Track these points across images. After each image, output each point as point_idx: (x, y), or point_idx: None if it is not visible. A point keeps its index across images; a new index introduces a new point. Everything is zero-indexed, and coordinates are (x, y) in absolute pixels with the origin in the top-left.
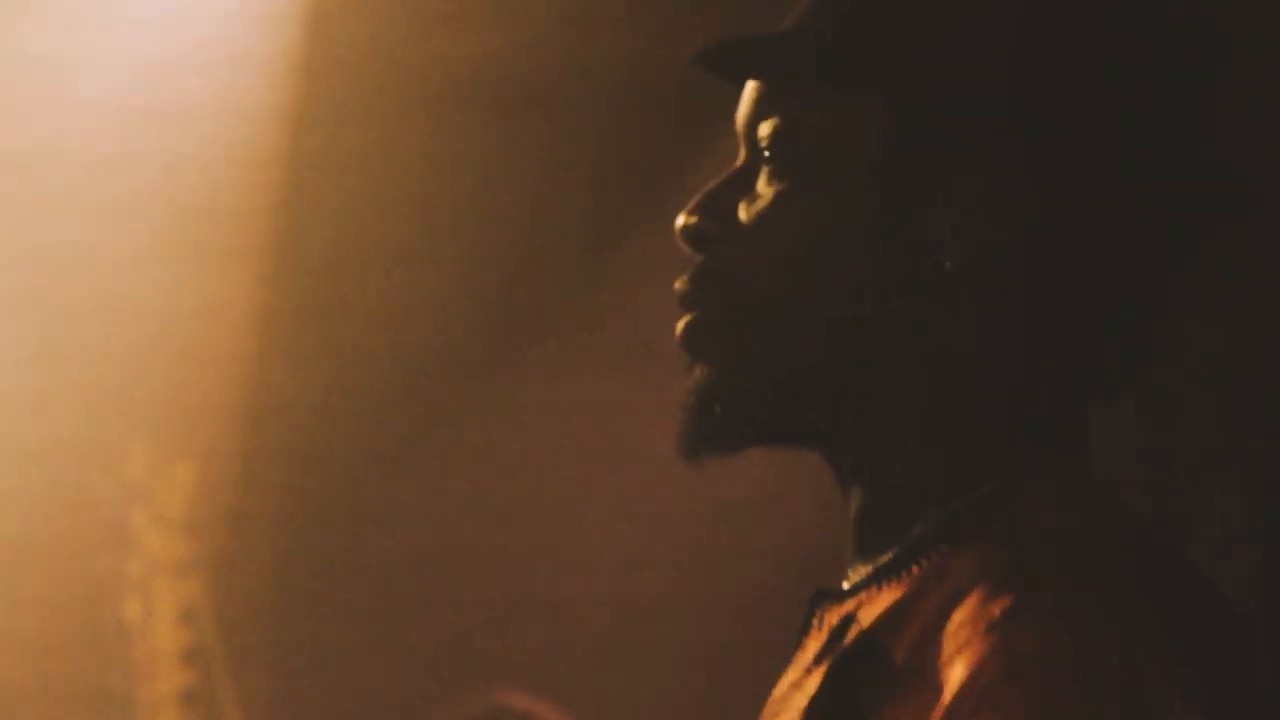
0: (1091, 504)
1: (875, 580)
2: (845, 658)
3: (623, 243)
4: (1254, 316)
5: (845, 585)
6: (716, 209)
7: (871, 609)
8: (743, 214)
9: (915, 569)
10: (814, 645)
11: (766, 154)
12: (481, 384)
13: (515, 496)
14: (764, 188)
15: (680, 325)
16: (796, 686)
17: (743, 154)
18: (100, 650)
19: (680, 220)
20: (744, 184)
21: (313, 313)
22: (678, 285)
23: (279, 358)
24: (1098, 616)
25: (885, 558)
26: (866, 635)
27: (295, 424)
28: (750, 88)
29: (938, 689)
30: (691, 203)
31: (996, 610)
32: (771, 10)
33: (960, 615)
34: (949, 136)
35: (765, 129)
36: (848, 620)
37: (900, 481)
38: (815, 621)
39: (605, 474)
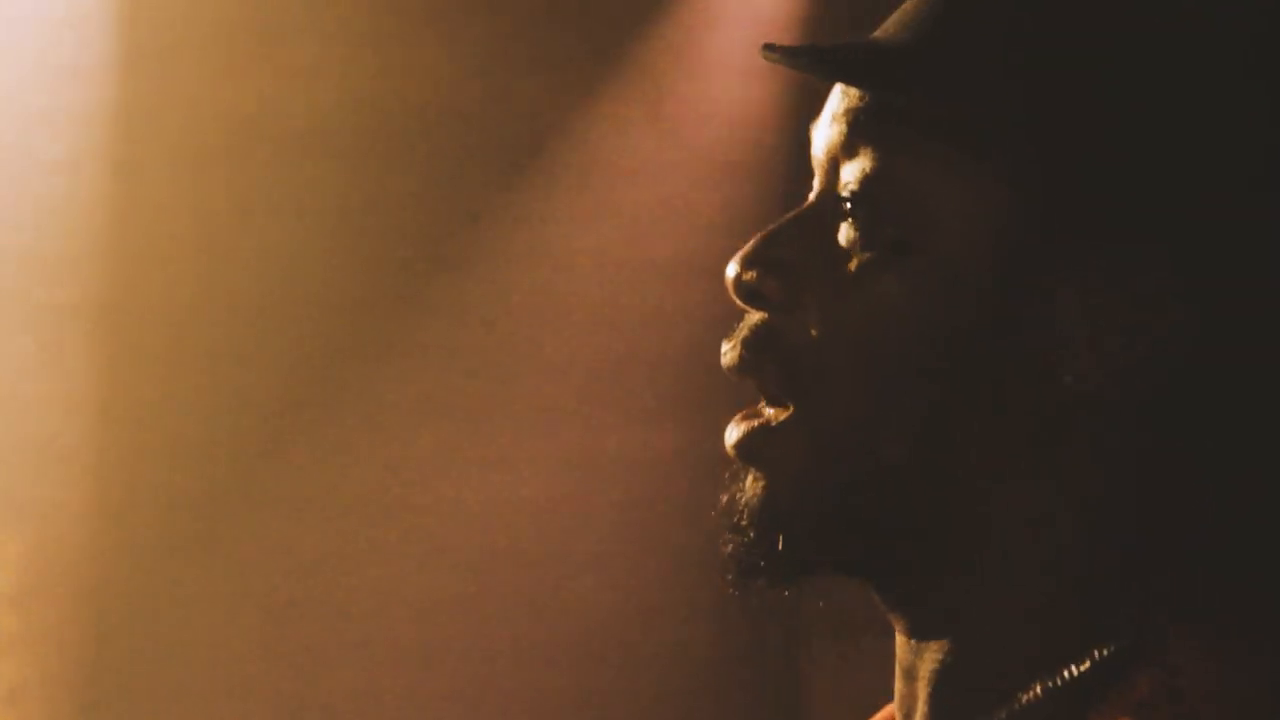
0: (1245, 659)
1: None
2: None
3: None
4: None
5: None
6: (779, 262)
7: None
8: (812, 273)
9: None
10: None
11: (855, 207)
12: (332, 385)
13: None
14: (843, 246)
15: (736, 431)
16: None
17: (817, 187)
18: None
19: (733, 271)
20: (817, 231)
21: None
22: (729, 355)
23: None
24: None
25: None
26: None
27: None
28: (846, 107)
29: None
30: (748, 248)
31: None
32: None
33: None
34: (1098, 230)
35: (857, 168)
36: None
37: (999, 634)
38: None
39: (461, 472)
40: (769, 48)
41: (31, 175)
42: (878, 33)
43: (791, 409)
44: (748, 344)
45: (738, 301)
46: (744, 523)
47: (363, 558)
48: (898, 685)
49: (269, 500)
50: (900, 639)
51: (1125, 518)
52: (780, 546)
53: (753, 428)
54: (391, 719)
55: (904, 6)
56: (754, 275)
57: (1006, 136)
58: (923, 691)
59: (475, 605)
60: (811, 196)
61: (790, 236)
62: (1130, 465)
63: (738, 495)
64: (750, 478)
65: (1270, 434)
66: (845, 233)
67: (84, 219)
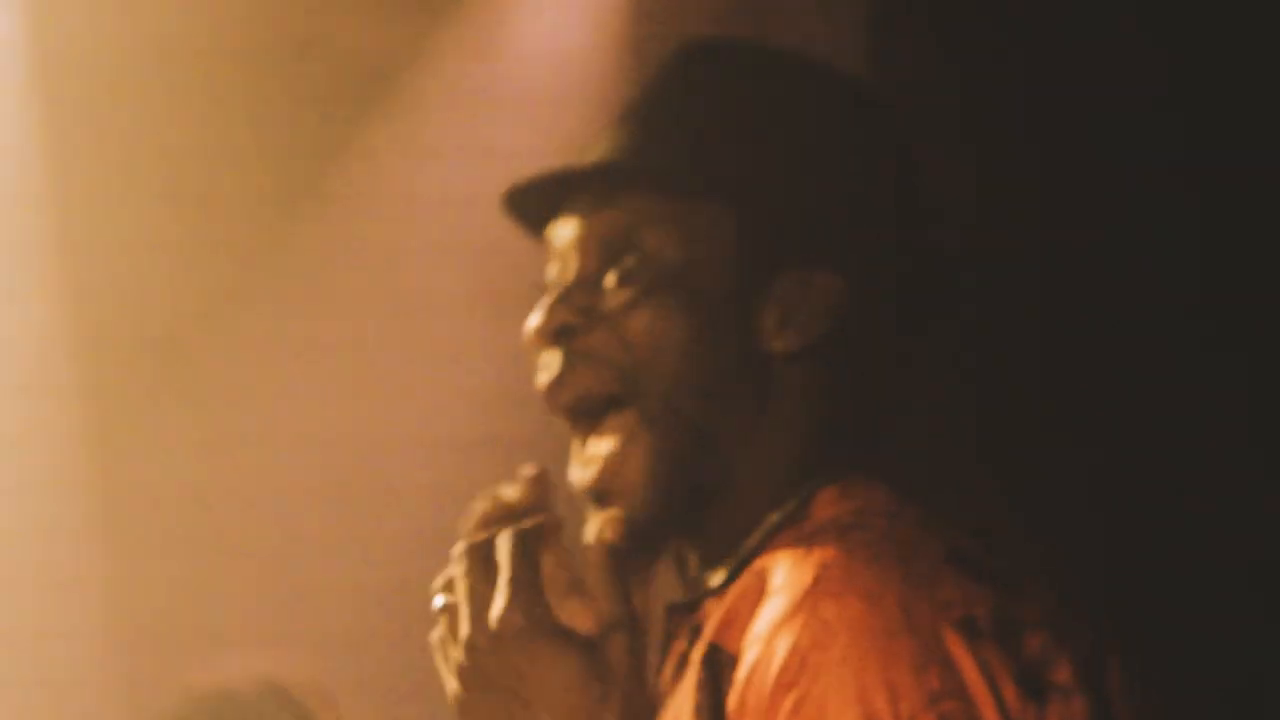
0: (858, 493)
1: (715, 593)
2: (705, 663)
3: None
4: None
5: (691, 598)
6: (575, 306)
7: (712, 620)
8: (604, 310)
9: (743, 573)
10: (678, 650)
11: (620, 262)
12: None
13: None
14: (623, 289)
15: (587, 473)
16: (674, 684)
17: (576, 266)
18: None
19: (538, 318)
20: (590, 289)
21: None
22: (549, 384)
23: None
24: (875, 579)
25: (721, 573)
26: (711, 642)
27: None
28: (581, 211)
29: (768, 657)
30: (543, 306)
31: (799, 590)
32: None
33: (774, 599)
34: (777, 250)
35: (611, 240)
36: (695, 630)
37: (732, 519)
38: (673, 628)
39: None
40: (510, 193)
41: None
42: (610, 132)
43: (626, 422)
44: (567, 364)
45: (544, 343)
46: (614, 551)
47: (251, 492)
48: (676, 566)
49: (155, 438)
50: (677, 552)
51: (809, 435)
52: (641, 545)
53: (599, 470)
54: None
55: (630, 106)
56: (561, 313)
57: (714, 200)
58: (694, 559)
59: (360, 545)
60: (571, 275)
61: (571, 293)
62: (816, 401)
63: (599, 533)
64: (606, 510)
65: (889, 375)
66: (616, 279)
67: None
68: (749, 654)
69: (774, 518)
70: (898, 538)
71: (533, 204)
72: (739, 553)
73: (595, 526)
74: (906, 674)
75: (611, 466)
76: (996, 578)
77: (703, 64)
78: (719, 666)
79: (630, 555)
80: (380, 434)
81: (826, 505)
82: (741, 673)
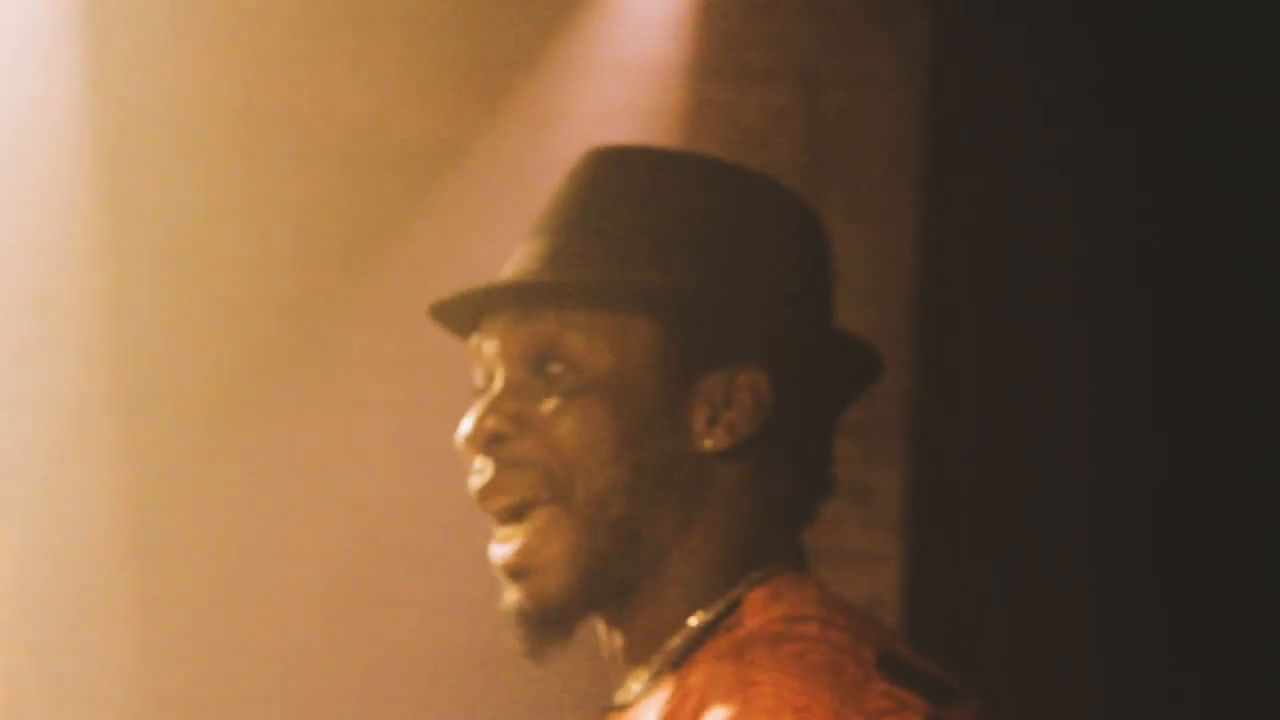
0: (788, 596)
1: (643, 693)
2: None
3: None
4: None
5: (618, 699)
6: (506, 412)
7: (644, 718)
8: (533, 418)
9: (671, 677)
10: None
11: (547, 370)
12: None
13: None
14: (552, 398)
15: (500, 551)
16: None
17: (504, 375)
18: None
19: (470, 425)
20: (519, 397)
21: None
22: (482, 489)
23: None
24: (805, 693)
25: (651, 673)
26: None
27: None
28: (504, 324)
29: None
30: (475, 413)
31: (733, 711)
32: None
33: (710, 716)
34: (700, 351)
35: (536, 349)
36: None
37: (659, 613)
38: None
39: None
40: (435, 307)
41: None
42: (530, 244)
43: (549, 511)
44: (498, 471)
45: (475, 450)
46: (524, 619)
47: (308, 547)
48: (606, 655)
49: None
50: (604, 629)
51: (739, 533)
52: (555, 621)
53: (518, 547)
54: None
55: (546, 216)
56: (492, 421)
57: (637, 307)
58: (620, 654)
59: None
60: (499, 383)
61: (502, 401)
62: (749, 496)
63: (514, 601)
64: (519, 590)
65: (808, 465)
66: (543, 389)
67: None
68: None
69: (696, 620)
70: (830, 645)
71: (457, 314)
72: (663, 651)
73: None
74: None
75: (531, 546)
76: (925, 683)
77: (616, 170)
78: None
79: (542, 631)
80: (427, 496)
81: (756, 610)
82: None
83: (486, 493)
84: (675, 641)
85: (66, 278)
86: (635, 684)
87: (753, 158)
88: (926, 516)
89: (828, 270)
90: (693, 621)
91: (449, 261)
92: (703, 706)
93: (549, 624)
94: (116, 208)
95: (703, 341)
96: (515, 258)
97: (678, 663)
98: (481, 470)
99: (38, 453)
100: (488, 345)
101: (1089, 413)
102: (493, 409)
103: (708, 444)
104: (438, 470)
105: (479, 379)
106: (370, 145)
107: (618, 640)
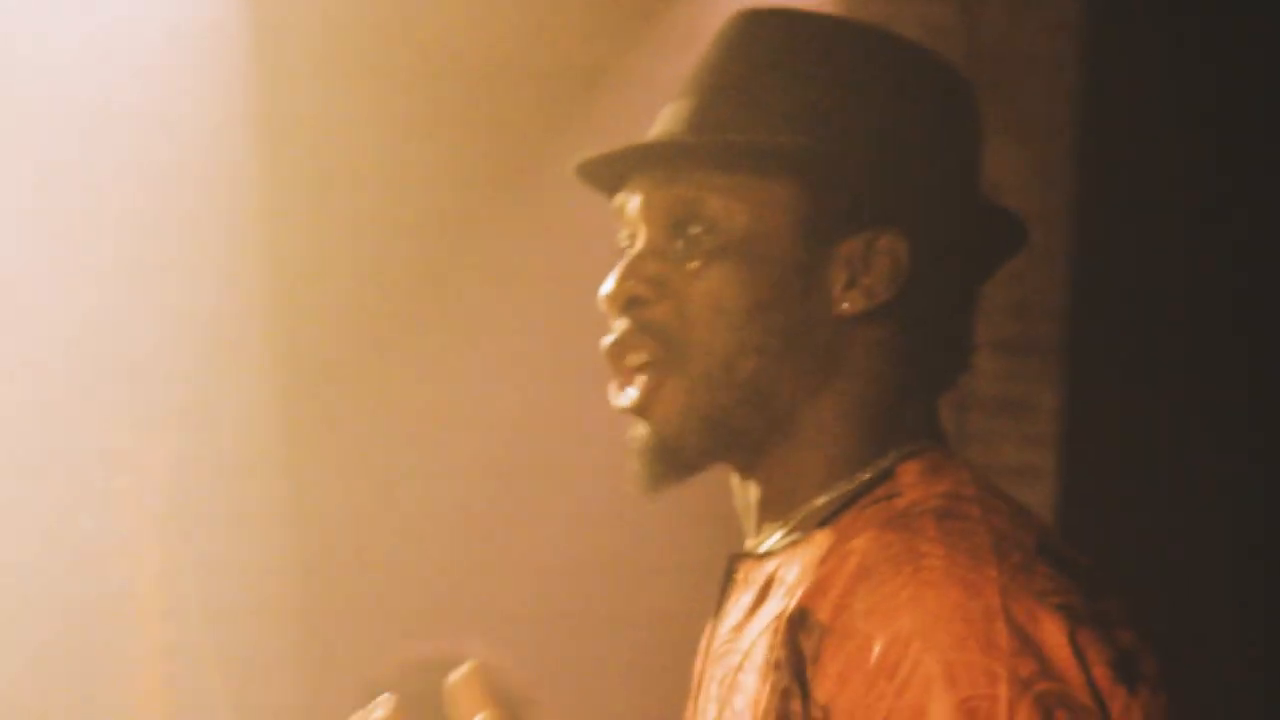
0: (946, 474)
1: (787, 545)
2: (790, 622)
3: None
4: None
5: (756, 547)
6: (644, 275)
7: (789, 569)
8: (671, 281)
9: (820, 536)
10: (739, 596)
11: (687, 232)
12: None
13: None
14: (691, 260)
15: (627, 390)
16: (739, 629)
17: (646, 236)
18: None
19: (611, 286)
20: (660, 258)
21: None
22: (611, 346)
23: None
24: (974, 569)
25: (790, 527)
26: (799, 605)
27: None
28: (649, 184)
29: (867, 639)
30: (617, 273)
31: (902, 578)
32: None
33: (874, 582)
34: (841, 215)
35: (679, 209)
36: (770, 578)
37: (802, 474)
38: (738, 577)
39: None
40: (581, 165)
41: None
42: (676, 105)
43: (666, 367)
44: (629, 330)
45: (614, 311)
46: (646, 452)
47: (433, 469)
48: (739, 504)
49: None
50: (738, 480)
51: (880, 398)
52: (674, 460)
53: (640, 391)
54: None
55: (693, 77)
56: (630, 285)
57: (777, 169)
58: (753, 506)
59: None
60: (641, 244)
61: (643, 262)
62: (880, 356)
63: (637, 435)
64: (643, 424)
65: (947, 335)
66: (682, 250)
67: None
68: (846, 632)
69: (850, 485)
70: (992, 528)
71: (603, 174)
72: (808, 509)
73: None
74: (1004, 659)
75: (652, 390)
76: (1083, 574)
77: (762, 33)
78: (804, 628)
79: (657, 467)
80: (562, 413)
81: (914, 483)
82: (835, 646)
83: (615, 351)
84: (821, 500)
85: (224, 193)
86: (772, 536)
87: None
88: (1083, 433)
89: (976, 139)
90: (840, 485)
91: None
92: (866, 571)
93: (665, 462)
94: (278, 125)
95: (842, 205)
96: (661, 118)
97: (824, 521)
98: (616, 329)
99: (195, 361)
100: (631, 205)
101: (1249, 329)
102: (633, 271)
103: (844, 307)
104: (578, 387)
105: (623, 238)
106: (520, 69)
107: (753, 492)
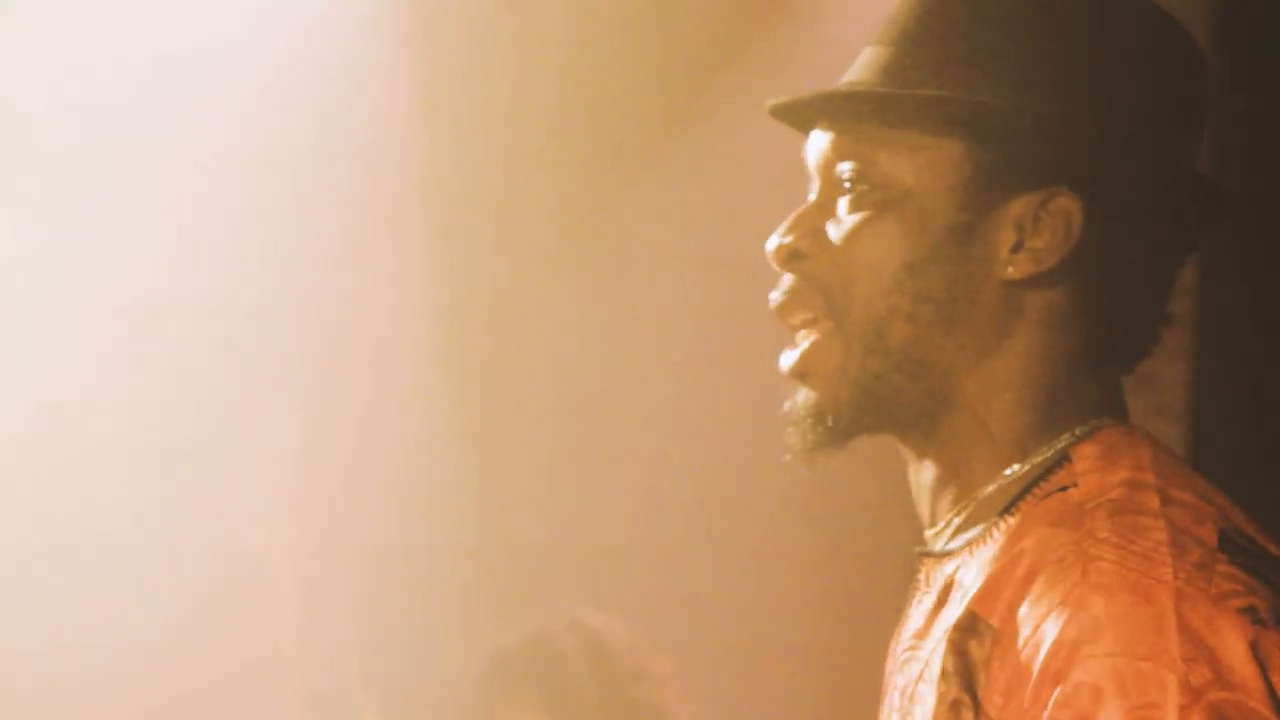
0: (1124, 459)
1: (967, 545)
2: (960, 628)
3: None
4: None
5: (934, 544)
6: (809, 229)
7: (967, 572)
8: (832, 235)
9: (996, 532)
10: (921, 598)
11: (852, 187)
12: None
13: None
14: (851, 215)
15: (787, 354)
16: (921, 635)
17: (819, 187)
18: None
19: (775, 240)
20: (827, 211)
21: None
22: (778, 300)
23: None
24: (1148, 574)
25: (964, 518)
26: (969, 609)
27: None
28: (828, 132)
29: (1033, 646)
30: (783, 227)
31: (1070, 581)
32: None
33: (1042, 585)
34: (1012, 174)
35: (850, 163)
36: (950, 581)
37: (972, 453)
38: (921, 577)
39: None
40: (772, 108)
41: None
42: (862, 58)
43: (826, 327)
44: (795, 287)
45: (778, 266)
46: (803, 418)
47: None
48: (914, 489)
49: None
50: (911, 460)
51: (1052, 368)
52: (829, 426)
53: (799, 354)
54: None
55: (887, 25)
56: (792, 239)
57: (952, 124)
58: (926, 491)
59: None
60: (814, 195)
61: (810, 215)
62: (1051, 326)
63: (796, 402)
64: (803, 390)
65: (1131, 306)
66: (847, 205)
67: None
68: (1014, 638)
69: (1024, 469)
70: (1170, 522)
71: (795, 117)
72: (982, 498)
73: None
74: (1177, 666)
75: (809, 354)
76: (1271, 567)
77: None
78: (975, 634)
79: (813, 434)
80: (707, 403)
81: (1090, 470)
82: (1004, 653)
83: (782, 308)
84: (991, 489)
85: (383, 181)
86: (949, 529)
87: None
88: (1212, 408)
89: (1191, 103)
90: (1011, 471)
91: (726, 163)
92: (1035, 573)
93: (820, 429)
94: (434, 110)
95: (1015, 163)
96: (856, 64)
97: (1001, 514)
98: (782, 285)
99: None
100: (812, 154)
101: None
102: (798, 224)
103: (1010, 271)
104: (724, 377)
105: (810, 188)
106: (654, 48)
107: (926, 473)
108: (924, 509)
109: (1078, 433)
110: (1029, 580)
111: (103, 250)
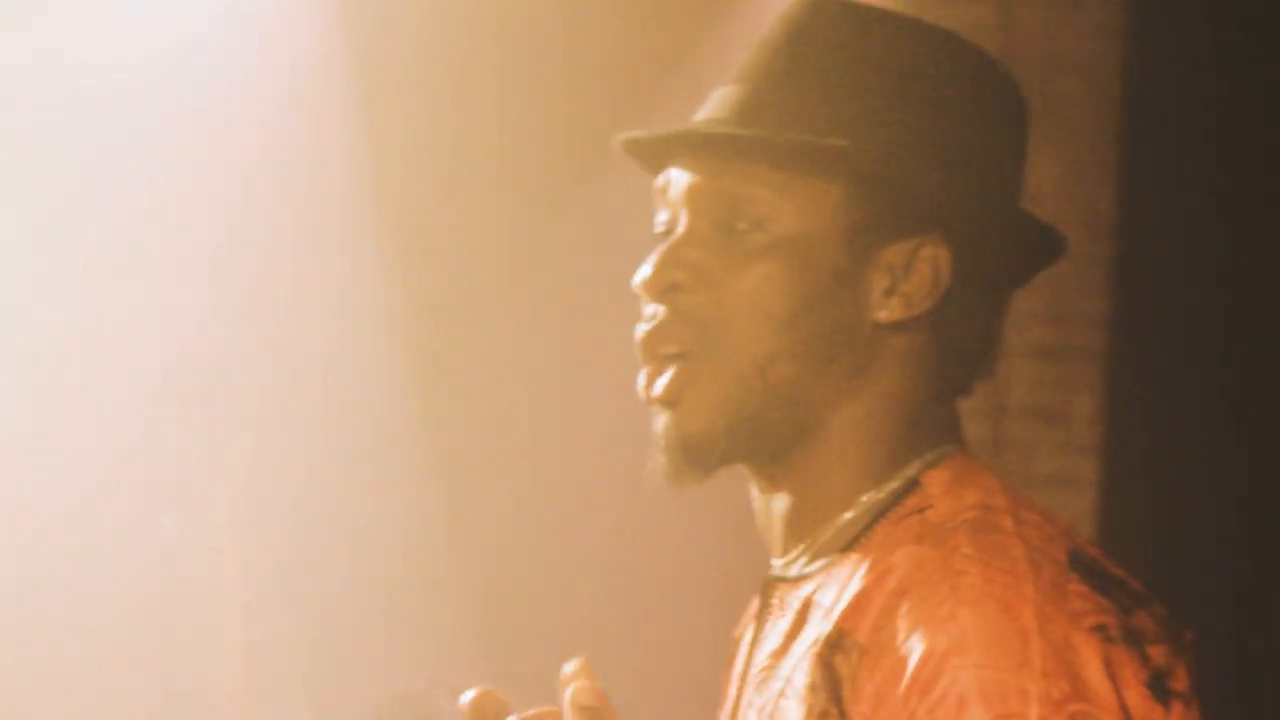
0: (973, 483)
1: (824, 568)
2: (828, 644)
3: None
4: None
5: (788, 569)
6: (685, 262)
7: (826, 592)
8: (715, 273)
9: (853, 554)
10: (775, 621)
11: (735, 226)
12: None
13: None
14: (737, 255)
15: (658, 381)
16: (779, 655)
17: (689, 221)
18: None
19: (649, 272)
20: (702, 247)
21: None
22: (646, 333)
23: None
24: (1010, 588)
25: (820, 544)
26: (837, 626)
27: None
28: (700, 169)
29: (903, 658)
30: (656, 259)
31: (938, 595)
32: None
33: (910, 602)
34: (887, 221)
35: (728, 199)
36: (807, 602)
37: (830, 482)
38: (773, 601)
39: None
40: (628, 142)
41: None
42: (730, 91)
43: (699, 361)
44: (667, 319)
45: (651, 297)
46: (673, 447)
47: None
48: (761, 516)
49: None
50: (758, 491)
51: (908, 406)
52: (700, 456)
53: (670, 381)
54: None
55: (750, 63)
56: (669, 273)
57: (829, 171)
58: (779, 518)
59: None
60: (683, 230)
61: (684, 249)
62: (915, 370)
63: (662, 427)
64: (669, 416)
65: (975, 344)
66: (731, 244)
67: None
68: (883, 651)
69: (870, 496)
70: (1025, 541)
71: (648, 151)
72: (837, 526)
73: (571, 688)
74: (1038, 679)
75: (682, 381)
76: (1115, 586)
77: (824, 24)
78: (841, 650)
79: (681, 461)
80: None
81: (942, 494)
82: (872, 666)
83: (651, 339)
84: (849, 515)
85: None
86: (804, 554)
87: None
88: (1123, 442)
89: (1023, 149)
90: (867, 498)
91: None
92: (904, 589)
93: (689, 457)
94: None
95: (890, 210)
96: (713, 102)
97: (856, 538)
98: (652, 317)
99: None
100: (675, 188)
101: None
102: (674, 257)
103: (882, 315)
104: None
105: (661, 220)
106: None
107: (780, 502)
108: (774, 536)
109: (928, 458)
110: (897, 596)
111: (46, 272)
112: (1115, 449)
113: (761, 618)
